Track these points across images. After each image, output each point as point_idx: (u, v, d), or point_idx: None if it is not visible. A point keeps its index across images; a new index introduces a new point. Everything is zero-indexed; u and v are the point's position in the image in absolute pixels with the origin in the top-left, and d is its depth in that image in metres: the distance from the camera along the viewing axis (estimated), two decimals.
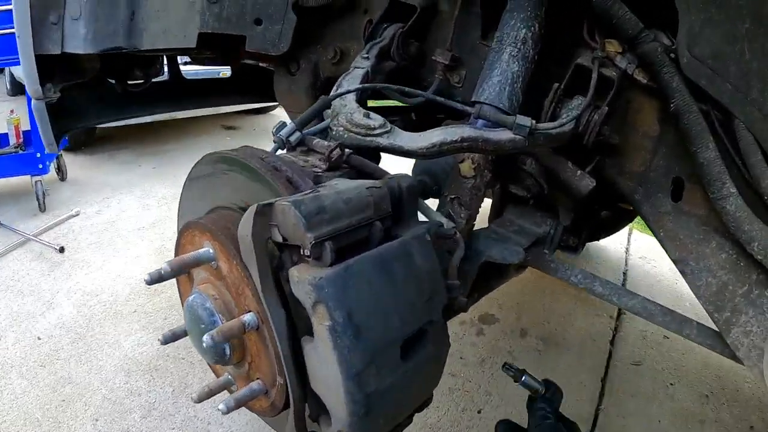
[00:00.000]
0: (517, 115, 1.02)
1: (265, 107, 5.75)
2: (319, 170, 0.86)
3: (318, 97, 1.84)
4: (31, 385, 2.09)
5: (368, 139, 0.93)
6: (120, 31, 1.60)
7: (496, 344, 2.56)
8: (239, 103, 2.76)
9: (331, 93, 1.14)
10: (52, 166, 3.81)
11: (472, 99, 1.15)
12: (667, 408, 2.31)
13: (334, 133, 0.96)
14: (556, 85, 1.12)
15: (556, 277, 1.49)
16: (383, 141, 0.93)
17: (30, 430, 1.92)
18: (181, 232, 0.93)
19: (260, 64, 2.20)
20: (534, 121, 1.01)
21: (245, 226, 0.67)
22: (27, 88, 1.64)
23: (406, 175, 0.81)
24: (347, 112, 1.01)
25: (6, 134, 3.57)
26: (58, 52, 1.62)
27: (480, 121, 1.08)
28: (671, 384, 2.46)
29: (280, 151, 0.96)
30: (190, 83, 2.52)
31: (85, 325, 2.43)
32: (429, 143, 0.94)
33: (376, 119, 0.98)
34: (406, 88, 1.05)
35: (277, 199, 0.66)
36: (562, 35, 1.20)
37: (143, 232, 3.29)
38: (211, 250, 0.84)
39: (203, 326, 0.86)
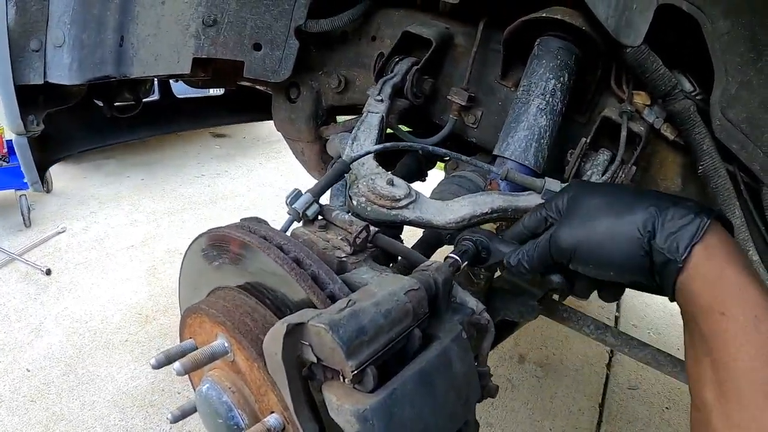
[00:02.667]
0: (546, 179, 0.96)
1: None
2: (343, 254, 0.79)
3: (320, 126, 1.81)
4: (23, 423, 2.01)
5: (393, 212, 0.87)
6: (108, 59, 1.50)
7: (495, 371, 2.52)
8: (234, 122, 2.68)
9: (346, 151, 1.08)
10: None
11: (495, 152, 1.09)
12: None
13: (355, 204, 0.89)
14: (583, 140, 1.06)
15: (568, 326, 1.46)
16: (409, 214, 0.87)
17: None
18: (187, 314, 0.86)
19: (257, 87, 2.12)
20: (563, 186, 0.96)
21: (274, 343, 0.60)
22: (7, 123, 1.53)
23: (441, 266, 0.74)
24: (368, 176, 0.94)
25: None
26: (41, 82, 1.52)
27: (504, 182, 1.02)
28: (667, 408, 2.46)
29: (295, 224, 0.89)
30: (182, 102, 2.43)
31: (76, 356, 2.35)
32: (458, 217, 0.88)
33: (400, 187, 0.91)
34: (431, 147, 0.99)
35: (309, 315, 0.59)
36: (586, 81, 1.15)
37: (132, 251, 3.19)
38: (226, 344, 0.78)
39: (221, 421, 0.80)
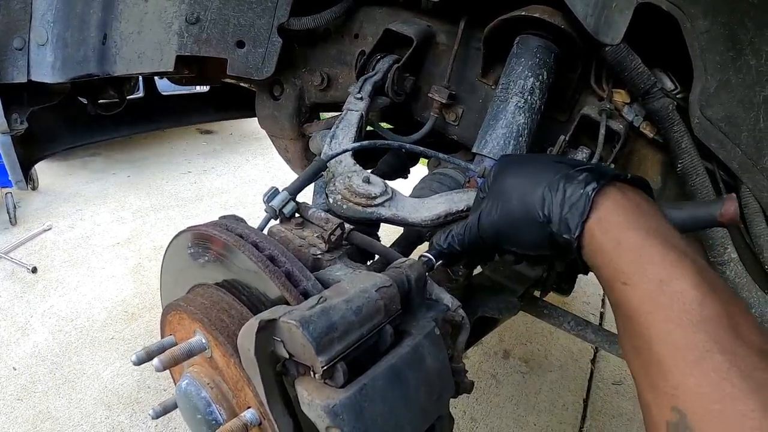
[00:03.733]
0: None
1: None
2: (318, 252, 0.80)
3: (303, 123, 1.81)
4: (9, 421, 2.00)
5: (369, 210, 0.87)
6: (91, 57, 1.50)
7: (480, 368, 2.53)
8: (219, 119, 2.66)
9: (324, 149, 1.08)
10: None
11: (474, 150, 1.10)
12: None
13: (332, 201, 0.90)
14: (562, 137, 1.07)
15: (549, 323, 1.47)
16: (385, 212, 0.88)
17: None
18: (167, 311, 0.87)
19: (241, 84, 2.12)
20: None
21: (247, 339, 0.61)
22: None
23: (414, 263, 0.75)
24: (344, 174, 0.95)
25: None
26: (24, 80, 1.51)
27: (482, 180, 1.03)
28: None
29: (272, 222, 0.90)
30: (167, 99, 2.42)
31: (62, 354, 2.33)
32: (433, 214, 0.89)
33: (377, 184, 0.92)
34: (408, 145, 1.00)
35: (281, 312, 0.60)
36: (565, 79, 1.16)
37: (118, 248, 3.17)
38: (204, 340, 0.78)
39: (200, 416, 0.81)
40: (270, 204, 0.86)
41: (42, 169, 3.91)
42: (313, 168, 0.92)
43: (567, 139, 1.09)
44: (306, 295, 0.70)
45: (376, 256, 0.93)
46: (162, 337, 0.96)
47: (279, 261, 0.72)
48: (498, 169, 0.75)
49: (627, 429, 2.30)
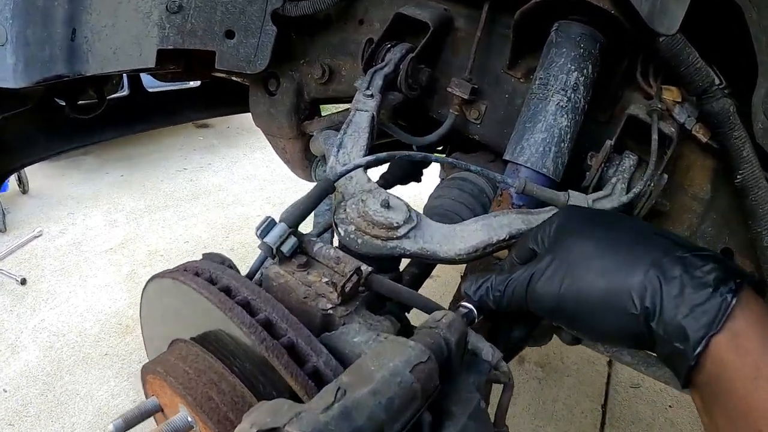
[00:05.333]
0: (570, 192, 0.82)
1: None
2: (329, 305, 0.63)
3: (303, 121, 1.64)
4: None
5: (391, 244, 0.71)
6: (59, 56, 1.30)
7: None
8: (212, 116, 2.48)
9: (330, 161, 0.91)
10: (13, 178, 3.48)
11: (507, 157, 0.93)
12: None
13: (343, 234, 0.73)
14: (608, 142, 0.90)
15: (582, 345, 1.33)
16: (411, 245, 0.71)
17: None
18: (147, 373, 0.72)
19: (233, 79, 1.94)
20: (590, 200, 0.81)
21: None
22: None
23: (453, 321, 0.59)
24: (357, 197, 0.78)
25: None
26: None
27: (517, 196, 0.87)
28: (670, 406, 2.35)
29: (268, 261, 0.73)
30: (155, 97, 2.23)
31: (54, 373, 2.20)
32: (470, 246, 0.72)
33: (398, 209, 0.75)
34: (434, 156, 0.83)
35: (286, 417, 0.44)
36: (609, 73, 0.98)
37: (111, 254, 3.02)
38: (189, 418, 0.63)
39: None
40: (264, 240, 0.69)
41: (32, 171, 3.73)
42: (317, 190, 0.75)
43: (612, 143, 0.92)
44: (317, 376, 0.54)
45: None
46: (145, 394, 0.80)
47: (278, 328, 0.56)
48: (563, 223, 0.60)
49: None
